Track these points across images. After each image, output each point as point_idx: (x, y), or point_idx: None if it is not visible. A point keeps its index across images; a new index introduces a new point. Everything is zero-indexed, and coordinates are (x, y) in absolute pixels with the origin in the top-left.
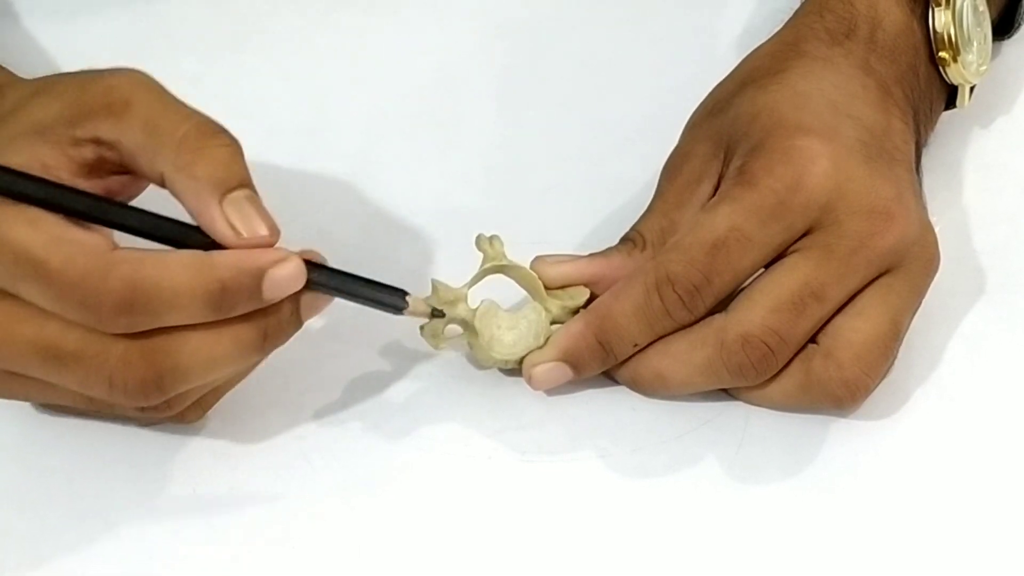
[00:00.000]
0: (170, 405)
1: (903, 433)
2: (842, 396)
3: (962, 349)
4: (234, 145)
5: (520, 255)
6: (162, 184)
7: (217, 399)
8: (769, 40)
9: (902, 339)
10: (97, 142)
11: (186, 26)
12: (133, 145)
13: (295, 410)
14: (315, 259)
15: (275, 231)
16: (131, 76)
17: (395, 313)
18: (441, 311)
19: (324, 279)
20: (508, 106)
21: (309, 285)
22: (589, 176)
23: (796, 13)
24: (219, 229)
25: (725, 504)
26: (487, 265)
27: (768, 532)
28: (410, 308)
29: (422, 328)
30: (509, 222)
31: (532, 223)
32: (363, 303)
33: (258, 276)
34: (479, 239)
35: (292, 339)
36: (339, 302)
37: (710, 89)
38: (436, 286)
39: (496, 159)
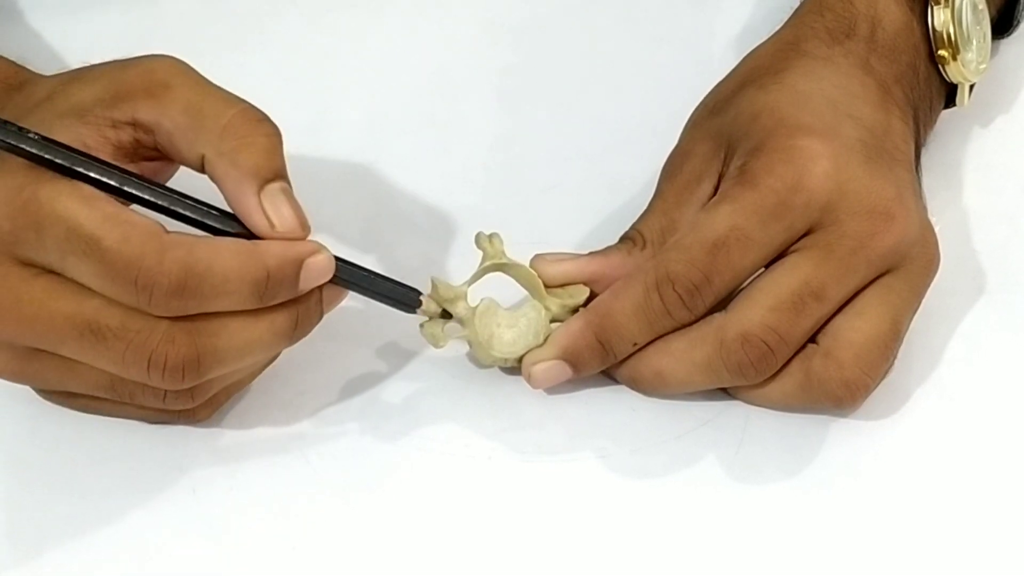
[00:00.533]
0: (194, 395)
1: (903, 433)
2: (842, 396)
3: (962, 349)
4: (276, 135)
5: (520, 254)
6: (199, 168)
7: (228, 397)
8: (769, 39)
9: (902, 339)
10: (135, 125)
11: (186, 26)
12: (173, 127)
13: (295, 410)
14: None
15: (307, 226)
16: (169, 61)
17: (408, 311)
18: (450, 313)
19: (346, 273)
20: (508, 105)
21: (333, 278)
22: (589, 175)
23: (796, 12)
24: (256, 220)
25: (725, 504)
26: (487, 263)
27: (768, 532)
28: (423, 307)
29: (422, 326)
30: (509, 221)
31: (532, 222)
32: (378, 299)
33: (298, 265)
34: (479, 237)
35: None
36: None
37: (710, 89)
38: (436, 284)
39: (496, 158)
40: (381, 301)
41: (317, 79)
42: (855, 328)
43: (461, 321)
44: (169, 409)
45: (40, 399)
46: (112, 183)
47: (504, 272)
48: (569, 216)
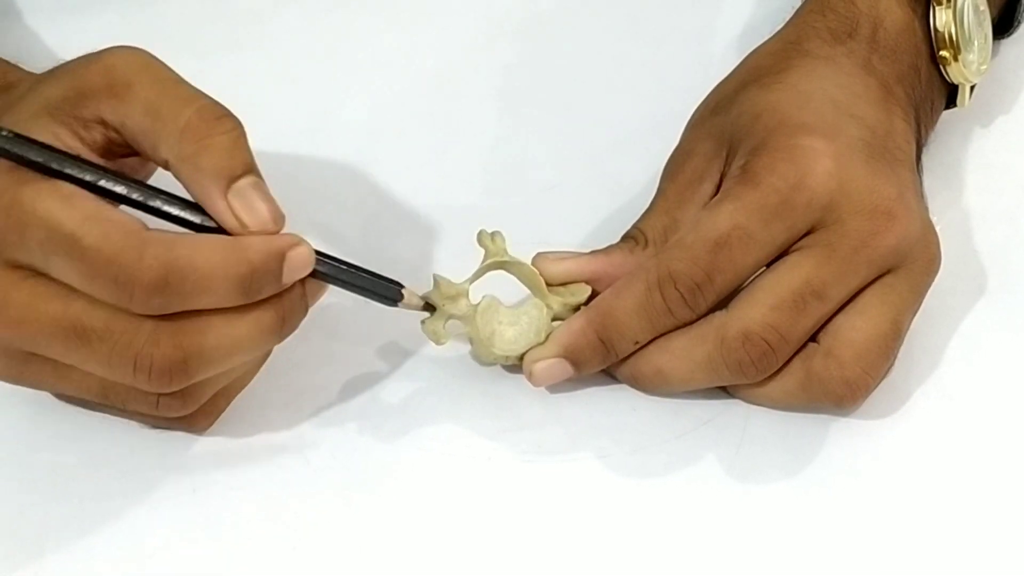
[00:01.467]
0: (185, 400)
1: (903, 433)
2: (842, 395)
3: (962, 349)
4: (237, 129)
5: (521, 254)
6: (168, 168)
7: (226, 406)
8: (771, 39)
9: (903, 339)
10: (103, 124)
11: (186, 26)
12: (136, 129)
13: (295, 410)
14: None
15: (280, 219)
16: (131, 55)
17: (390, 305)
18: (433, 305)
19: (326, 266)
20: (508, 105)
21: (313, 272)
22: (589, 175)
23: (798, 12)
24: (226, 221)
25: (725, 504)
26: (488, 261)
27: (768, 532)
28: (404, 300)
29: (423, 323)
30: (510, 221)
31: (532, 222)
32: (359, 292)
33: (281, 258)
34: (481, 235)
35: (292, 339)
36: (339, 303)
37: (711, 89)
38: (438, 281)
39: (497, 158)
40: (362, 294)
41: (317, 79)
42: (856, 327)
43: (463, 318)
44: (163, 416)
45: (41, 398)
46: (87, 180)
47: (506, 270)
48: (570, 216)
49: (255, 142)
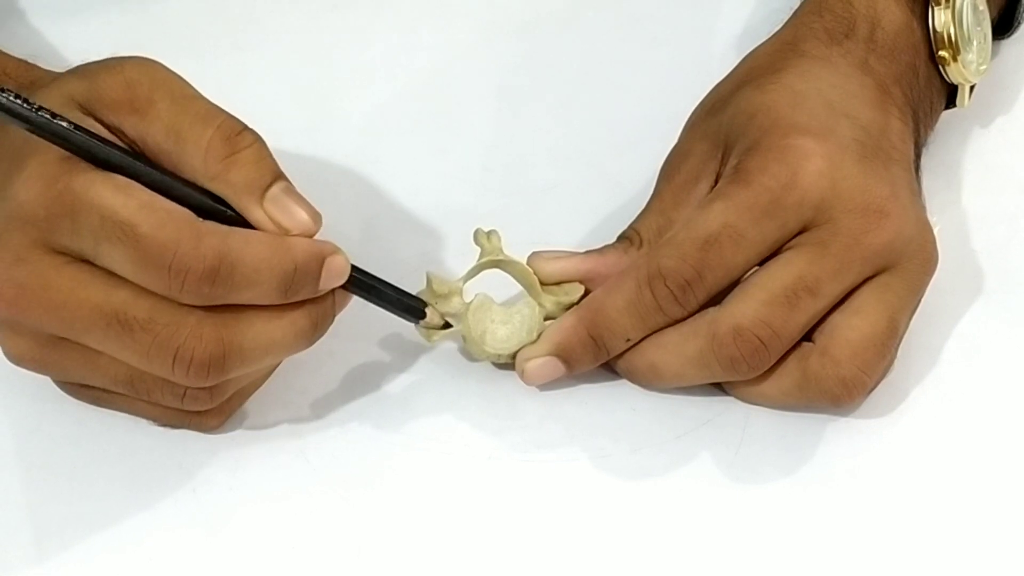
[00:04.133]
0: (213, 394)
1: (902, 432)
2: (839, 394)
3: (960, 348)
4: (258, 142)
5: (519, 254)
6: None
7: (239, 405)
8: (768, 40)
9: (900, 338)
10: (123, 133)
11: (186, 26)
12: (157, 149)
13: (295, 409)
14: None
15: (317, 218)
16: (150, 69)
17: (412, 321)
18: (449, 323)
19: (359, 278)
20: (508, 105)
21: (346, 283)
22: (589, 175)
23: (795, 13)
24: (268, 229)
25: (725, 504)
26: (483, 259)
27: (768, 532)
28: (427, 320)
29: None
30: (508, 221)
31: (531, 222)
32: (386, 306)
33: (321, 262)
34: (477, 233)
35: None
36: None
37: (709, 89)
38: (431, 278)
39: (496, 158)
40: (388, 309)
41: (317, 79)
42: (852, 326)
43: (455, 316)
44: (185, 409)
45: (43, 396)
46: (141, 173)
47: (501, 269)
48: (568, 216)
49: None
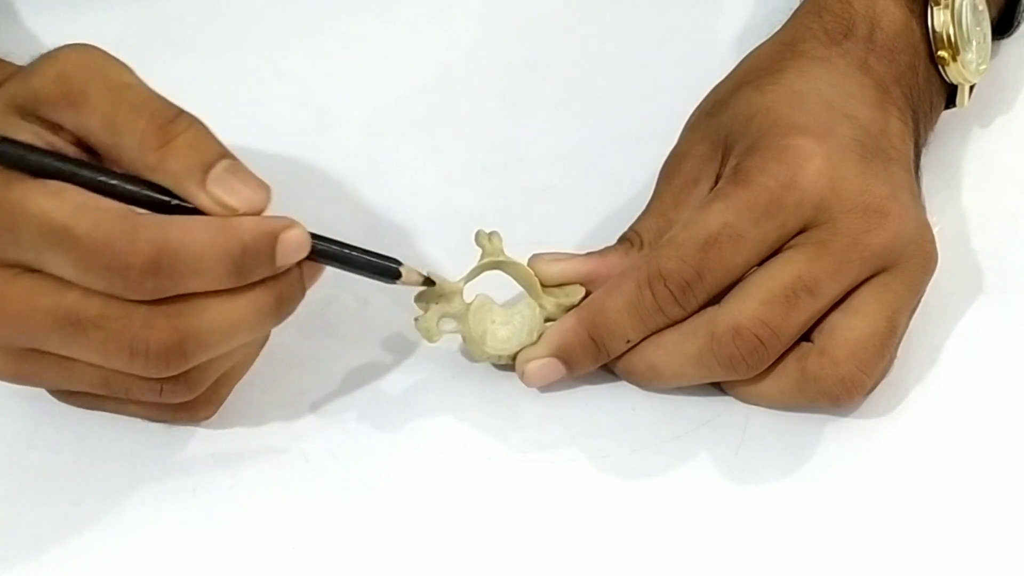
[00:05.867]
0: (189, 385)
1: (902, 432)
2: (838, 394)
3: (960, 348)
4: (194, 125)
5: (519, 254)
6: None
7: (227, 393)
8: (767, 40)
9: (900, 338)
10: (63, 129)
11: (186, 25)
12: (98, 142)
13: (295, 410)
14: None
15: (265, 189)
16: (83, 59)
17: (388, 282)
18: (432, 280)
19: (324, 246)
20: (507, 106)
21: (310, 253)
22: (589, 175)
23: (794, 13)
24: (213, 211)
25: (725, 504)
26: (484, 260)
27: (768, 532)
28: (404, 277)
29: (416, 320)
30: (508, 221)
31: (531, 222)
32: (359, 271)
33: (274, 240)
34: (478, 234)
35: (291, 338)
36: (339, 303)
37: (709, 89)
38: (431, 279)
39: (496, 158)
40: (361, 273)
41: (317, 79)
42: (851, 326)
43: (456, 316)
44: (167, 403)
45: (41, 397)
46: (74, 175)
47: (501, 270)
48: (568, 216)
49: (253, 142)
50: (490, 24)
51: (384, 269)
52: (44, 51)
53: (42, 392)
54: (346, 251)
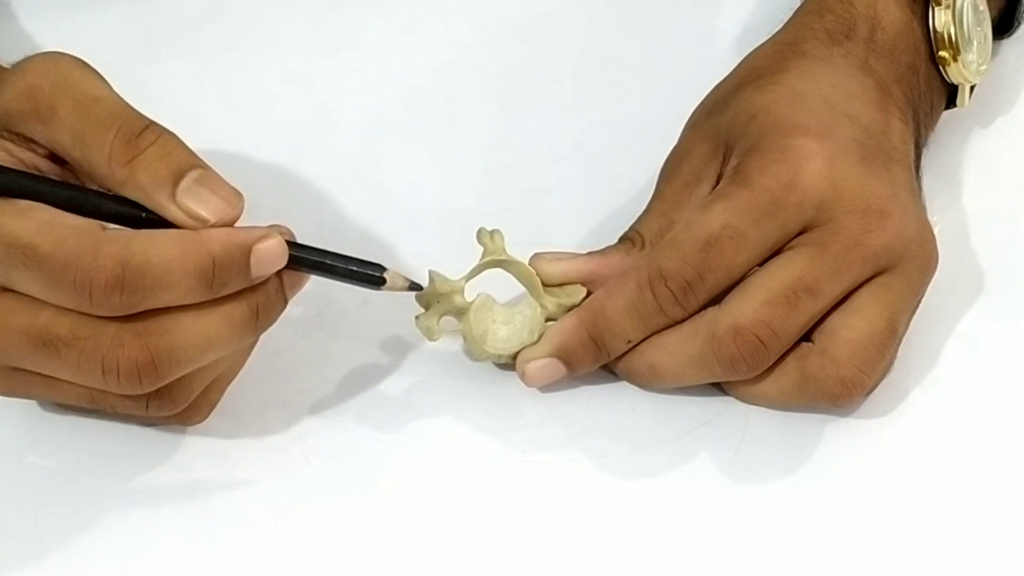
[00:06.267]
0: (173, 399)
1: (902, 432)
2: (838, 394)
3: (960, 348)
4: (162, 136)
5: (519, 254)
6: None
7: (219, 397)
8: (768, 40)
9: (900, 338)
10: (35, 143)
11: (186, 26)
12: (68, 156)
13: (295, 410)
14: (287, 236)
15: (235, 198)
16: (51, 70)
17: (374, 288)
18: (419, 285)
19: (304, 255)
20: (508, 106)
21: (290, 262)
22: (589, 175)
23: (795, 13)
24: (184, 223)
25: (725, 504)
26: (486, 259)
27: (768, 532)
28: (388, 283)
29: (417, 319)
30: (509, 221)
31: (532, 222)
32: (342, 279)
33: (246, 251)
34: (480, 233)
35: (291, 339)
36: (339, 303)
37: (710, 89)
38: (433, 277)
39: (496, 158)
40: (346, 281)
41: (317, 79)
42: (851, 326)
43: (456, 315)
44: (154, 416)
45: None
46: (44, 194)
47: (503, 269)
48: (569, 216)
49: (254, 142)
50: (490, 24)
51: (367, 277)
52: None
53: None
54: (327, 260)
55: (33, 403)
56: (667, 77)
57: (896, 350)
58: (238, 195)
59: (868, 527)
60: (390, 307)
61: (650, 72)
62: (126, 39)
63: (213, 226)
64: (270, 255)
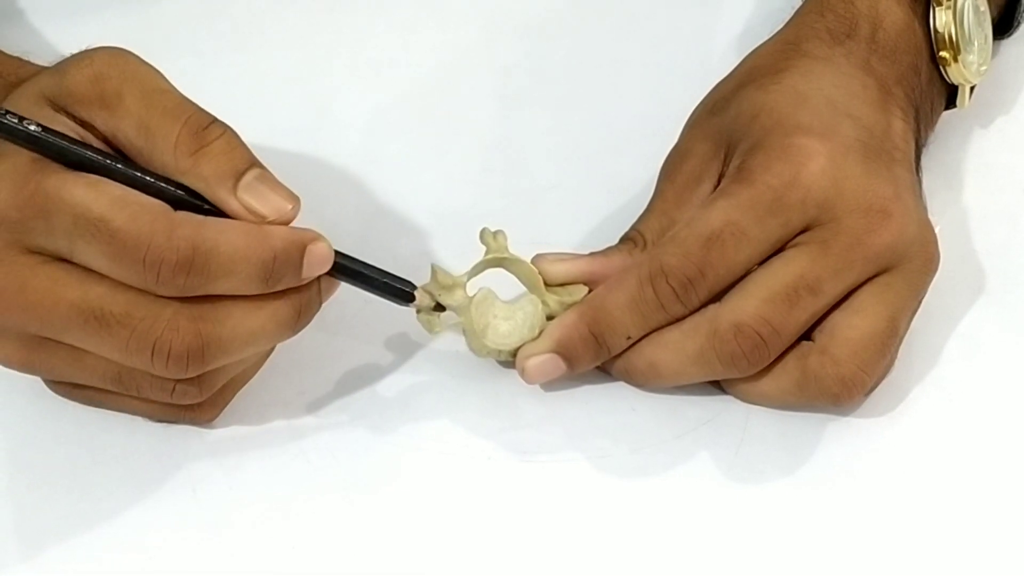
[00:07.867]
0: (201, 387)
1: (902, 432)
2: (839, 393)
3: (961, 348)
4: (227, 132)
5: (520, 254)
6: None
7: (231, 398)
8: (770, 40)
9: (901, 338)
10: (94, 128)
11: (186, 26)
12: (128, 144)
13: (295, 410)
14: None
15: (294, 200)
16: (119, 61)
17: (402, 304)
18: (443, 306)
19: (345, 263)
20: (508, 106)
21: (331, 268)
22: (589, 175)
23: (797, 13)
24: (243, 217)
25: (725, 504)
26: (488, 256)
27: (768, 532)
28: (417, 300)
29: (418, 312)
30: (509, 221)
31: (532, 222)
32: (373, 291)
33: (302, 249)
34: (483, 232)
35: (292, 338)
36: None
37: (710, 89)
38: (435, 271)
39: (496, 158)
40: (376, 294)
41: (317, 79)
42: (852, 325)
43: (458, 309)
44: (176, 404)
45: (42, 396)
46: (113, 170)
47: (505, 267)
48: (569, 216)
49: (255, 142)
50: (490, 24)
51: (398, 292)
52: (49, 51)
53: (43, 391)
54: (365, 270)
55: (34, 401)
56: (667, 77)
57: (897, 350)
58: (295, 197)
59: (868, 527)
60: (390, 307)
61: (650, 72)
62: (127, 39)
63: (271, 223)
64: (320, 257)
